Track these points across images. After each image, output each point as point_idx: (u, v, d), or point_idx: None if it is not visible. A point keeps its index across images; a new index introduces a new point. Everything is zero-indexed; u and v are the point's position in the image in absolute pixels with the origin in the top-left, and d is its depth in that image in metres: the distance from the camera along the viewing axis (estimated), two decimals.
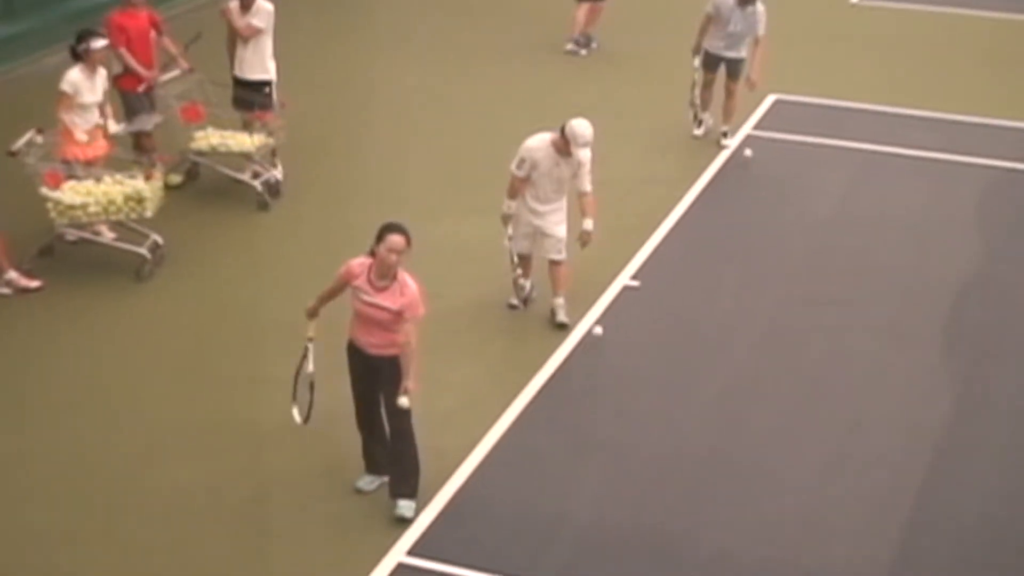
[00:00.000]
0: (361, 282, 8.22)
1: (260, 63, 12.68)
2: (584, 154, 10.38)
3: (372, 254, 8.21)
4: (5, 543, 8.17)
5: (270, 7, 12.61)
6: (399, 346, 8.21)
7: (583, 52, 17.21)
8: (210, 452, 9.11)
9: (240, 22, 12.53)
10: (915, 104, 15.81)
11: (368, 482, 8.71)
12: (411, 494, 8.47)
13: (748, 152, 13.81)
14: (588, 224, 10.53)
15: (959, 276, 11.92)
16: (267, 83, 12.72)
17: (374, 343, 8.29)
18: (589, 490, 8.90)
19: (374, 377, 8.37)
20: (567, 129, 10.36)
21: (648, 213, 12.64)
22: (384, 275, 8.17)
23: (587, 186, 10.51)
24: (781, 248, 12.35)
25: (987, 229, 12.87)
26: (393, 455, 8.48)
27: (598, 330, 10.58)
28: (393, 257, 8.09)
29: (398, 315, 8.17)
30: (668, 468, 9.20)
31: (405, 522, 8.39)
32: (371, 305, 8.19)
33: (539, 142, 10.53)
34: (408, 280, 8.20)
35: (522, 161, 10.53)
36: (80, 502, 8.57)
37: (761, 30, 13.98)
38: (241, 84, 12.70)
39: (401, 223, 8.19)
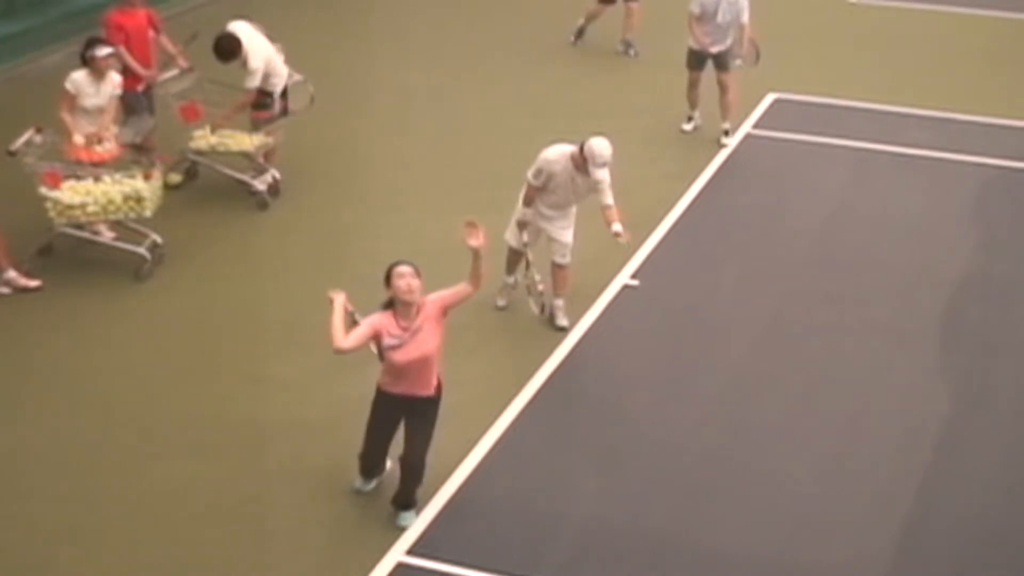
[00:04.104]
0: (394, 332, 8.02)
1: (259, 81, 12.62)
2: (602, 174, 10.30)
3: (388, 305, 8.11)
4: (5, 540, 8.18)
5: (255, 64, 12.33)
6: (436, 385, 8.26)
7: (631, 53, 17.29)
8: (210, 451, 9.11)
9: (246, 98, 12.44)
10: (914, 103, 15.82)
11: (363, 483, 8.71)
12: (413, 505, 8.49)
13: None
14: (616, 227, 10.34)
15: (958, 274, 11.93)
16: (269, 93, 12.66)
17: (421, 385, 8.21)
18: (588, 489, 8.91)
19: (408, 416, 8.30)
20: (586, 147, 10.30)
21: (647, 212, 12.63)
22: (409, 312, 8.03)
23: (608, 200, 10.37)
24: (780, 246, 12.35)
25: (986, 227, 12.88)
26: (405, 474, 8.40)
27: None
28: (404, 283, 7.97)
29: (436, 341, 8.12)
30: (667, 467, 9.20)
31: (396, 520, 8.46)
32: (412, 350, 8.04)
33: (558, 155, 10.46)
34: (426, 301, 8.13)
35: (539, 172, 10.50)
36: (80, 500, 8.57)
37: (745, 17, 14.05)
38: None
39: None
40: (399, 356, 8.06)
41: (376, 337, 8.06)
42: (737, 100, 14.47)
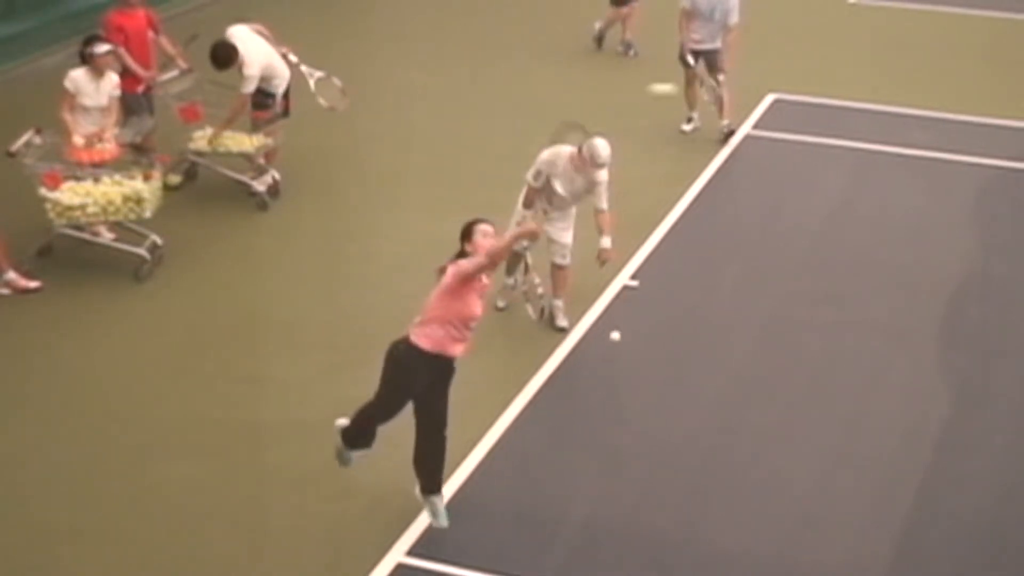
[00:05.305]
0: (485, 281, 8.17)
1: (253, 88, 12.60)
2: (601, 175, 10.32)
3: (461, 254, 8.15)
4: (7, 540, 8.18)
5: (249, 72, 12.30)
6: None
7: (631, 54, 17.33)
8: (210, 451, 9.11)
9: (239, 103, 12.40)
10: (914, 103, 15.82)
11: (352, 455, 8.57)
12: (440, 487, 8.46)
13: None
14: (605, 242, 10.45)
15: (958, 274, 11.93)
16: (269, 94, 12.65)
17: (468, 343, 8.27)
18: (588, 490, 8.90)
19: (436, 379, 8.25)
20: (585, 148, 10.30)
21: (647, 212, 12.64)
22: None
23: (603, 204, 10.42)
24: (780, 247, 12.35)
25: (985, 228, 12.88)
26: (434, 450, 8.35)
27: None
28: (489, 242, 8.06)
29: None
30: (667, 467, 9.20)
31: (435, 520, 8.39)
32: (482, 303, 8.21)
33: (557, 155, 10.48)
34: None
35: (539, 173, 10.50)
36: (80, 500, 8.58)
37: (733, 18, 14.05)
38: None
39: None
40: (479, 307, 8.15)
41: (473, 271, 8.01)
42: (731, 101, 14.47)
